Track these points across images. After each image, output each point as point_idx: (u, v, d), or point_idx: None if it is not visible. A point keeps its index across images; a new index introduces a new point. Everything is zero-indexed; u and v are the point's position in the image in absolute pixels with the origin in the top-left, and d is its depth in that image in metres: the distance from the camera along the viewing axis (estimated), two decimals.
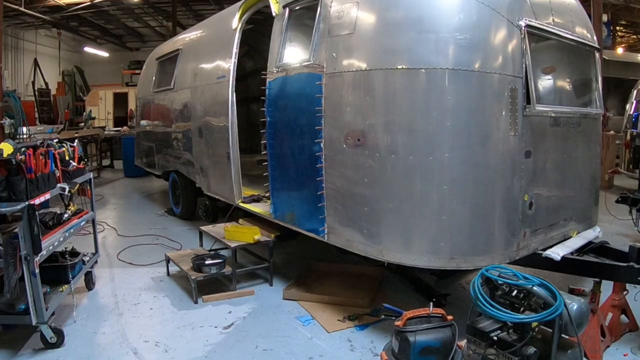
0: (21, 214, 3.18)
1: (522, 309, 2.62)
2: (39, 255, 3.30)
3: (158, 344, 3.57)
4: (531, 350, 2.48)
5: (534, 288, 2.61)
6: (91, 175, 4.61)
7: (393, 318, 3.69)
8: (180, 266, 4.63)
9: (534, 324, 2.53)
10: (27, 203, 3.19)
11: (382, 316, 3.82)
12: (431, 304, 2.72)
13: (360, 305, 4.07)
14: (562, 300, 2.52)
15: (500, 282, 2.71)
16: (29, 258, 3.22)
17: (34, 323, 3.30)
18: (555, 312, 2.47)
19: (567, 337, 2.59)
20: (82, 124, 15.44)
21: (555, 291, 2.57)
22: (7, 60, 17.07)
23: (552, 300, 2.53)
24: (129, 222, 7.34)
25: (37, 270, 3.26)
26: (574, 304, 2.58)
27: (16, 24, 18.16)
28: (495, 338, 2.57)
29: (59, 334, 3.48)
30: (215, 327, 3.84)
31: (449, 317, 2.66)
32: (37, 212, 3.32)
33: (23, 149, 3.44)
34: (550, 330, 2.52)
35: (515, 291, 2.66)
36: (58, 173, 3.82)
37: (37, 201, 3.36)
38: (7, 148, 3.32)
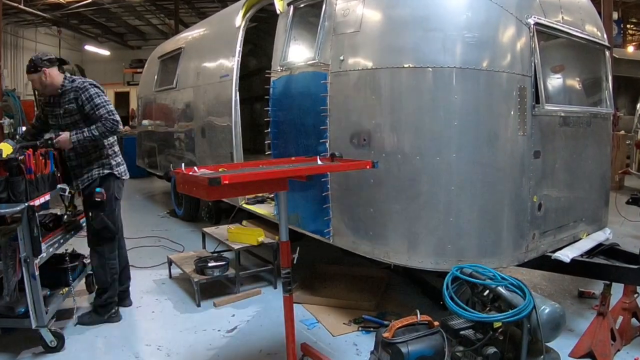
0: (21, 215, 3.12)
1: (487, 308, 2.58)
2: (39, 257, 3.23)
3: (160, 348, 3.52)
4: (491, 350, 2.45)
5: (498, 289, 2.57)
6: None
7: (371, 329, 3.65)
8: (183, 268, 4.57)
9: (497, 325, 2.49)
10: (26, 204, 3.13)
11: (359, 328, 3.75)
12: (417, 311, 2.65)
13: (366, 309, 4.00)
14: (529, 303, 2.46)
15: (470, 281, 2.66)
16: (28, 260, 3.16)
17: (33, 326, 3.24)
18: (518, 314, 2.43)
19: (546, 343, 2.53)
20: None
21: (527, 293, 2.51)
22: (6, 59, 16.96)
23: (518, 302, 2.47)
24: (130, 224, 7.20)
25: (36, 273, 3.20)
26: (547, 308, 2.53)
27: (15, 22, 18.09)
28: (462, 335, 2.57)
29: (59, 338, 3.42)
30: (219, 330, 3.78)
31: (436, 323, 2.61)
32: (36, 214, 3.26)
33: (23, 149, 3.39)
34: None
35: (487, 291, 2.62)
36: (58, 174, 3.76)
37: (36, 202, 3.31)
38: (7, 148, 3.27)
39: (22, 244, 3.13)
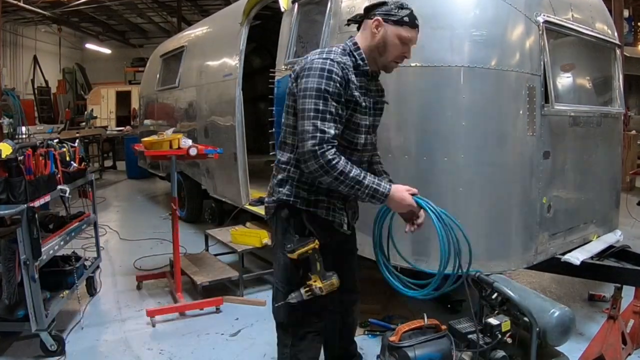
0: (20, 216, 3.06)
1: (496, 312, 2.54)
2: (39, 260, 3.17)
3: (162, 352, 3.46)
4: (499, 354, 2.40)
5: (506, 291, 2.52)
6: (93, 176, 4.49)
7: (377, 333, 3.60)
8: (185, 271, 4.50)
9: (505, 328, 2.44)
10: (26, 205, 3.08)
11: (365, 332, 3.70)
12: (424, 314, 2.60)
13: (372, 312, 3.94)
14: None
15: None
16: (28, 263, 3.10)
17: (33, 330, 3.18)
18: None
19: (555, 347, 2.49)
20: (84, 123, 15.29)
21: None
22: (5, 58, 16.99)
23: (528, 305, 2.43)
24: (132, 225, 7.21)
25: (36, 276, 3.14)
26: (556, 312, 2.47)
27: (15, 20, 18.07)
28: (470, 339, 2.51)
29: (59, 342, 3.36)
30: (222, 334, 3.72)
31: (443, 327, 2.57)
32: (36, 215, 3.20)
33: (22, 150, 3.34)
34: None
35: (496, 294, 2.58)
36: (58, 174, 3.70)
37: (36, 203, 3.25)
38: (6, 148, 3.22)
39: (22, 246, 3.07)
